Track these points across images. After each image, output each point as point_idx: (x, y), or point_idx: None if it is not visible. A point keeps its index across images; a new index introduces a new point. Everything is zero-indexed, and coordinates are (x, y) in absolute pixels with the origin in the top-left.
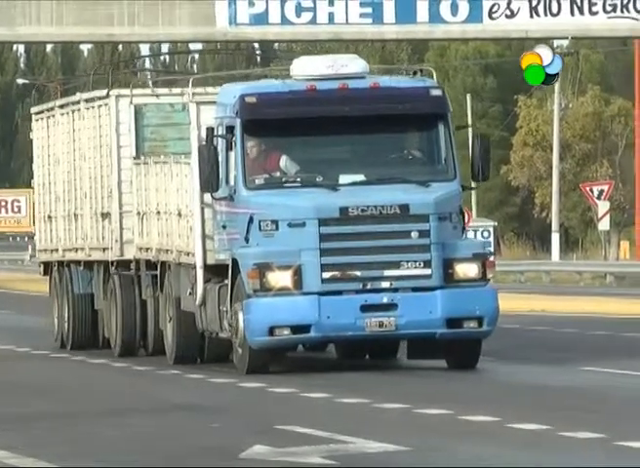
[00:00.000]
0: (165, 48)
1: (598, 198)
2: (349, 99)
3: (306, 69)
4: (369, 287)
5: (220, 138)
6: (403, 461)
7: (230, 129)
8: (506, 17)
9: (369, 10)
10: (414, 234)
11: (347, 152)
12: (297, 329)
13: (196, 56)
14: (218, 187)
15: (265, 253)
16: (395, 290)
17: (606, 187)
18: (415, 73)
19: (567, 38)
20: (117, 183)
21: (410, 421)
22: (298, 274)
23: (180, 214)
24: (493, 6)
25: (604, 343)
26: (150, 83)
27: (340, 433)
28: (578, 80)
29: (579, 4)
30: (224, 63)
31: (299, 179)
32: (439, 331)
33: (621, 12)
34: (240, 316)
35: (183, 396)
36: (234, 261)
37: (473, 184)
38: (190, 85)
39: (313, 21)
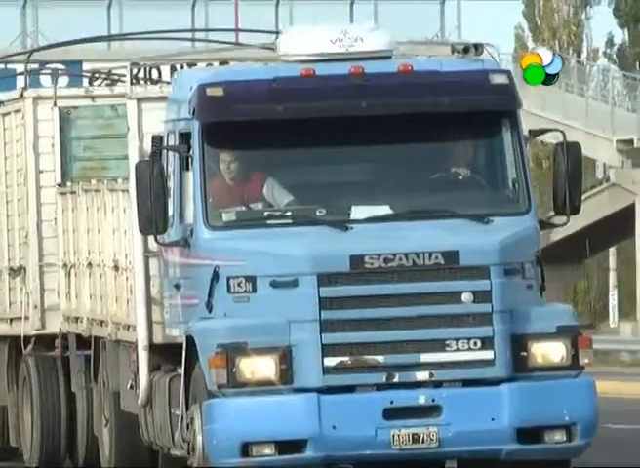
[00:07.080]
0: None
1: None
2: (367, 91)
3: (300, 46)
4: (397, 380)
5: (170, 152)
6: None
7: (186, 137)
8: None
9: None
10: (466, 297)
11: (364, 172)
12: (285, 446)
13: None
14: (165, 227)
15: (237, 327)
16: (438, 384)
17: None
18: (466, 51)
19: None
20: (36, 224)
21: None
22: (286, 360)
23: (116, 268)
24: None
25: None
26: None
27: None
28: None
29: None
30: None
31: (289, 214)
32: (506, 447)
33: None
34: (198, 425)
35: None
36: (190, 340)
37: (556, 219)
38: (129, 71)
39: None
